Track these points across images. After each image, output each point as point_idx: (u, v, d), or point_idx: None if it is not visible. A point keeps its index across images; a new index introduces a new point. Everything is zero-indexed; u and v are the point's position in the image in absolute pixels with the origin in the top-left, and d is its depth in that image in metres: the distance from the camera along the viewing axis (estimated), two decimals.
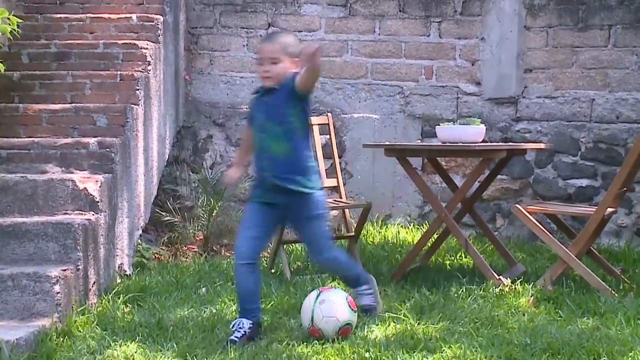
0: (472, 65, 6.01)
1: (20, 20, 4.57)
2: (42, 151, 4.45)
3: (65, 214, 4.07)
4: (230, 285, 4.42)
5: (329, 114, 5.34)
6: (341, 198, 5.11)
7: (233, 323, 3.49)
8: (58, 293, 3.58)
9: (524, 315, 3.81)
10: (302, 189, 3.51)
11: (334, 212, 5.79)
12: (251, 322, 3.46)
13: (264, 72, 3.54)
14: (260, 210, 3.57)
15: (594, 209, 4.34)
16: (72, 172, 4.36)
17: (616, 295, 4.14)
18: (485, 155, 4.52)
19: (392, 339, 3.44)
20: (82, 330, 3.56)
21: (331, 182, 5.12)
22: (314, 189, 3.55)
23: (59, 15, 5.56)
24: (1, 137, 4.58)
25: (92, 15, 5.55)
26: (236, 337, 3.41)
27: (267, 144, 3.53)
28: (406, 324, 3.66)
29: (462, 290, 4.24)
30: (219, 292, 4.29)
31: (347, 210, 5.07)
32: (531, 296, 4.11)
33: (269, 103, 3.54)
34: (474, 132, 4.59)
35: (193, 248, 5.50)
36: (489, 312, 3.83)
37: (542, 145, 5.03)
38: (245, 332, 3.43)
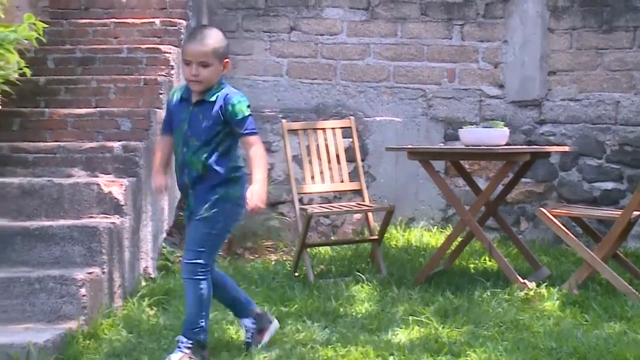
0: (495, 68, 5.99)
1: (46, 26, 4.62)
2: (68, 155, 4.50)
3: (90, 217, 4.11)
4: (254, 288, 4.43)
5: (352, 117, 5.35)
6: (364, 201, 5.11)
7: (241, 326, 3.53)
8: (84, 296, 3.62)
9: (549, 319, 3.79)
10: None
11: (357, 216, 5.81)
12: (253, 318, 3.48)
13: (192, 77, 3.25)
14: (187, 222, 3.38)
15: (620, 212, 4.30)
16: (97, 176, 4.40)
17: None
18: (509, 158, 4.50)
19: (417, 342, 3.44)
20: (107, 333, 3.59)
21: (354, 186, 5.13)
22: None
23: (83, 21, 5.62)
24: (28, 142, 4.64)
25: (116, 21, 5.60)
26: (248, 337, 3.47)
27: (187, 158, 3.27)
28: (430, 328, 3.66)
29: (487, 294, 4.22)
30: None
31: (370, 214, 5.07)
32: (556, 300, 4.09)
33: (195, 115, 3.28)
34: (497, 135, 4.58)
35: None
36: (514, 316, 3.81)
37: (566, 148, 5.01)
38: (252, 329, 3.47)
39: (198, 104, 3.29)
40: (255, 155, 3.25)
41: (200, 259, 3.23)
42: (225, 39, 3.38)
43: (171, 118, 3.39)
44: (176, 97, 3.38)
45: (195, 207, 3.28)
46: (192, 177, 3.28)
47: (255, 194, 3.18)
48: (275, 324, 3.56)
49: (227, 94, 3.28)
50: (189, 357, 3.22)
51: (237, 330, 3.65)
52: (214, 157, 3.25)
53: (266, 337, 3.48)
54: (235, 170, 3.31)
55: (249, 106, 3.30)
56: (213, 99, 3.27)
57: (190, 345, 3.24)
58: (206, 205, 3.25)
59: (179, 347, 3.25)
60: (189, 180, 3.29)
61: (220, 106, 3.25)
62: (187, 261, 3.25)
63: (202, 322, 3.27)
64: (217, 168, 3.25)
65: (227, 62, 3.33)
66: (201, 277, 3.24)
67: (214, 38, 3.31)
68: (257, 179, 3.21)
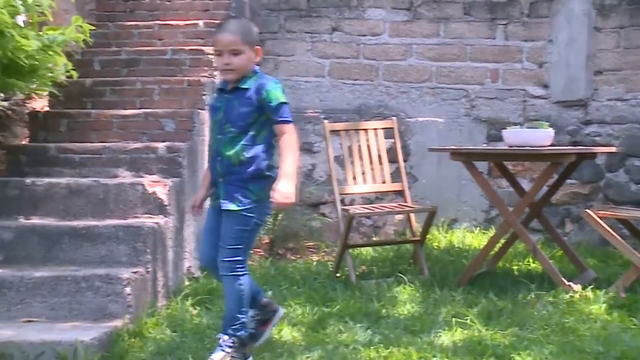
0: (540, 67, 5.92)
1: (93, 28, 4.70)
2: (113, 156, 4.56)
3: (135, 217, 4.16)
4: (295, 288, 4.45)
5: (394, 118, 5.32)
6: (406, 202, 5.08)
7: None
8: (129, 295, 3.66)
9: (595, 322, 3.73)
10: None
11: (399, 217, 5.78)
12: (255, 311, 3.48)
13: (224, 66, 3.23)
14: (214, 213, 3.34)
15: None
16: (142, 176, 4.45)
17: None
18: (554, 159, 4.44)
19: (460, 345, 3.41)
20: (152, 332, 3.63)
21: (396, 186, 5.11)
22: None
23: (129, 23, 5.70)
24: (75, 142, 4.71)
25: (160, 23, 5.67)
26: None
27: (222, 145, 3.24)
28: (473, 330, 3.62)
29: (531, 296, 4.17)
30: (285, 295, 4.31)
31: (412, 215, 5.04)
32: (603, 303, 4.02)
33: (230, 102, 3.25)
34: (542, 136, 4.52)
35: (259, 252, 5.54)
36: (559, 319, 3.76)
37: (613, 149, 4.92)
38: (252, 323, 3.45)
39: (232, 91, 3.26)
40: (286, 145, 3.19)
41: (237, 256, 3.22)
42: (254, 26, 3.34)
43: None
44: (216, 93, 3.42)
45: (225, 198, 3.22)
46: (224, 166, 3.23)
47: (281, 191, 3.10)
48: (279, 313, 3.55)
49: (261, 81, 3.24)
50: (231, 356, 3.22)
51: (280, 330, 3.66)
52: (249, 150, 3.20)
53: (269, 328, 3.48)
54: (270, 169, 3.25)
55: (283, 93, 3.25)
56: (247, 85, 3.24)
57: (231, 344, 3.23)
58: (238, 201, 3.20)
59: (221, 346, 3.24)
60: (220, 168, 3.24)
61: (255, 91, 3.21)
62: (225, 259, 3.23)
63: (242, 318, 3.27)
64: (251, 162, 3.20)
65: (258, 49, 3.28)
66: (240, 273, 3.24)
67: (242, 26, 3.29)
68: (285, 172, 3.14)
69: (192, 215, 3.75)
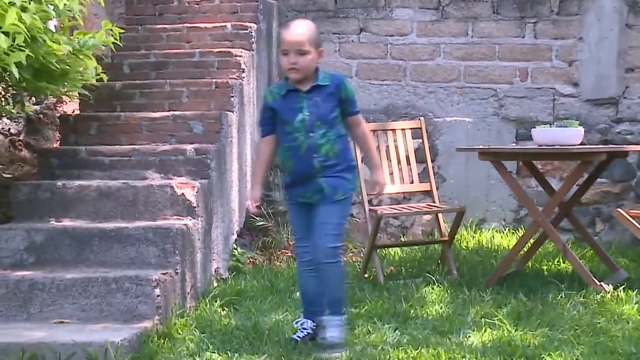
0: (569, 66, 5.85)
1: (122, 32, 4.73)
2: (142, 158, 4.58)
3: (164, 219, 4.18)
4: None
5: (422, 117, 5.30)
6: (434, 202, 5.05)
7: (297, 321, 3.60)
8: (158, 296, 3.68)
9: (628, 323, 3.68)
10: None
11: (427, 217, 5.75)
12: (315, 323, 3.53)
13: (290, 65, 3.37)
14: (303, 215, 3.52)
15: None
16: (171, 178, 4.47)
17: None
18: (584, 158, 4.39)
19: (489, 345, 3.38)
20: (181, 333, 3.64)
21: (424, 187, 5.08)
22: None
23: (157, 26, 5.72)
24: (104, 145, 4.74)
25: (188, 25, 5.69)
26: (298, 336, 3.53)
27: (316, 142, 3.39)
28: (503, 331, 3.59)
29: (561, 297, 4.12)
30: None
31: (440, 215, 5.01)
32: (635, 303, 3.96)
33: (314, 100, 3.41)
34: (571, 135, 4.47)
35: (287, 252, 5.55)
36: (590, 320, 3.71)
37: None
38: (309, 332, 3.54)
39: (312, 90, 3.42)
40: (367, 135, 3.56)
41: (338, 242, 3.43)
42: (317, 28, 3.50)
43: (273, 117, 3.48)
44: (276, 94, 3.48)
45: (328, 191, 3.41)
46: (321, 162, 3.41)
47: (380, 182, 3.50)
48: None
49: (335, 77, 3.46)
50: (344, 330, 3.46)
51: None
52: (339, 142, 3.43)
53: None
54: (354, 159, 3.57)
55: None
56: (327, 82, 3.42)
57: (341, 321, 3.44)
58: (341, 191, 3.43)
59: (333, 325, 3.40)
60: (319, 165, 3.41)
61: (335, 87, 3.42)
62: (329, 246, 3.39)
63: (343, 297, 3.55)
64: (343, 154, 3.44)
65: (321, 50, 3.46)
66: (339, 258, 3.47)
67: (308, 27, 3.45)
68: (376, 162, 3.53)
69: (251, 212, 3.81)
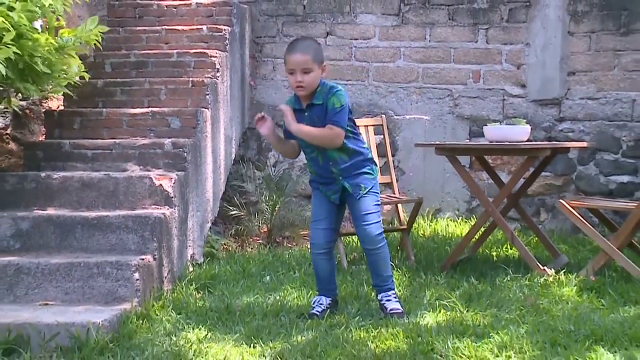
0: (518, 69, 5.91)
1: (103, 31, 4.67)
2: (123, 151, 4.55)
3: (143, 208, 4.15)
4: (291, 274, 4.45)
5: (383, 115, 5.32)
6: (394, 193, 5.08)
7: (314, 300, 3.68)
8: (137, 280, 3.65)
9: (567, 303, 3.74)
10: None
11: (387, 207, 5.78)
12: (330, 299, 3.66)
13: (297, 83, 3.42)
14: (324, 202, 3.61)
15: (636, 204, 4.22)
16: (149, 170, 4.44)
17: None
18: (531, 154, 4.44)
19: (443, 325, 3.41)
20: (158, 314, 3.62)
21: (385, 179, 5.10)
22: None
23: (138, 28, 5.67)
24: (87, 139, 4.70)
25: (167, 27, 5.64)
26: (317, 311, 3.60)
27: (330, 154, 3.50)
28: (456, 311, 3.63)
29: (508, 280, 4.18)
30: (282, 280, 4.32)
31: (399, 205, 5.05)
32: (574, 286, 4.03)
33: (311, 118, 3.47)
34: (519, 132, 4.51)
35: (258, 240, 5.55)
36: (534, 301, 3.76)
37: (584, 144, 4.91)
38: (325, 307, 3.62)
39: (309, 108, 3.48)
40: (324, 130, 3.43)
41: (381, 228, 3.54)
42: (320, 46, 3.53)
43: None
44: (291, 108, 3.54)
45: (354, 189, 3.50)
46: (339, 167, 3.50)
47: (294, 119, 3.44)
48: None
49: (328, 92, 3.45)
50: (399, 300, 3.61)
51: (278, 313, 3.66)
52: (349, 142, 3.47)
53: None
54: (368, 150, 3.62)
55: (345, 97, 3.47)
56: (320, 101, 3.45)
57: (395, 293, 3.60)
58: (364, 185, 3.51)
59: (389, 299, 3.56)
60: (337, 170, 3.51)
61: (326, 101, 3.44)
62: (375, 233, 3.50)
63: (392, 274, 3.65)
64: (356, 151, 3.50)
65: (324, 66, 3.49)
66: (384, 242, 3.56)
67: (312, 47, 3.46)
68: (304, 127, 3.44)
69: (255, 125, 3.69)
